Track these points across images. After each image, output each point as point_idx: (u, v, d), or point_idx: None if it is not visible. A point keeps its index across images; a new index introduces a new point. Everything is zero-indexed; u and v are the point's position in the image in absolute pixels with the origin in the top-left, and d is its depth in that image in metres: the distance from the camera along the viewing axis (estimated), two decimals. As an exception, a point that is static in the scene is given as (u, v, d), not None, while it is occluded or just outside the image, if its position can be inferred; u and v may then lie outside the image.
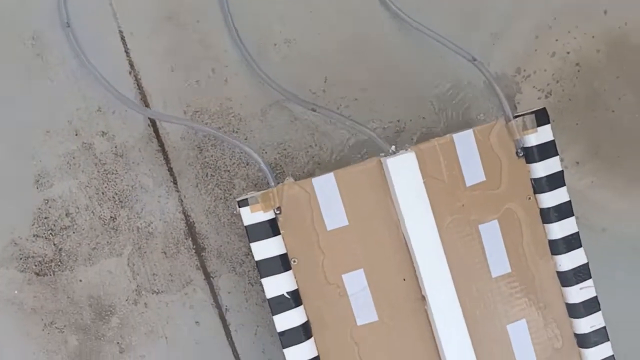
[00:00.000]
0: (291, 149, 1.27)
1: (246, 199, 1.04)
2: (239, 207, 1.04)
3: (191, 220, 1.25)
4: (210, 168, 1.25)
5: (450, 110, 1.32)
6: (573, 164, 1.39)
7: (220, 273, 1.26)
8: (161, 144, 1.23)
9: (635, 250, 1.40)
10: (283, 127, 1.27)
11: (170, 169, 1.24)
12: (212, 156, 1.24)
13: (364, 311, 1.10)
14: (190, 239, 1.25)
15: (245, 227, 1.04)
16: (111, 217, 1.23)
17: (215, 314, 1.26)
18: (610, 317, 1.36)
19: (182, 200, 1.24)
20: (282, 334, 1.06)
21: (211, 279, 1.26)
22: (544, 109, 1.12)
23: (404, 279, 1.11)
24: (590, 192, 1.40)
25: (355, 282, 1.09)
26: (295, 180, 1.07)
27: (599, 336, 1.15)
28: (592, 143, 1.40)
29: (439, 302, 1.09)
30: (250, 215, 1.04)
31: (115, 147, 1.22)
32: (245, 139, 1.25)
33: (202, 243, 1.25)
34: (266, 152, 1.26)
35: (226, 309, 1.27)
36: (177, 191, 1.24)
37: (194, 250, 1.25)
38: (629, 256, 1.39)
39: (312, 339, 1.08)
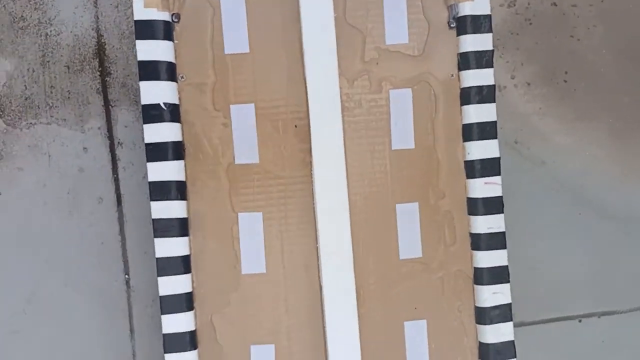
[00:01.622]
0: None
1: (141, -10, 0.97)
2: (132, -3, 0.97)
3: (103, 41, 1.18)
4: (135, -10, 1.18)
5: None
6: (523, 84, 1.29)
7: (120, 103, 1.19)
8: (89, -47, 1.18)
9: (571, 189, 1.28)
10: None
11: (93, -19, 1.18)
12: (138, -22, 1.18)
13: (246, 149, 1.01)
14: (98, 60, 1.18)
15: (135, 21, 0.96)
16: (22, 16, 1.16)
17: (106, 145, 1.19)
18: (536, 253, 1.26)
19: (98, 18, 1.18)
20: (149, 145, 0.98)
21: (110, 107, 1.19)
22: (486, -21, 1.03)
23: (295, 126, 1.02)
24: (536, 119, 1.29)
25: (243, 116, 1.01)
26: (203, -8, 1.00)
27: (494, 240, 1.04)
28: (549, 68, 1.30)
29: (324, 157, 1.00)
30: (143, 10, 0.97)
31: (41, -54, 1.17)
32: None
33: (109, 68, 1.18)
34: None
35: (119, 142, 1.19)
36: (96, 7, 1.18)
37: (98, 73, 1.18)
38: (563, 194, 1.28)
39: (181, 162, 0.99)
